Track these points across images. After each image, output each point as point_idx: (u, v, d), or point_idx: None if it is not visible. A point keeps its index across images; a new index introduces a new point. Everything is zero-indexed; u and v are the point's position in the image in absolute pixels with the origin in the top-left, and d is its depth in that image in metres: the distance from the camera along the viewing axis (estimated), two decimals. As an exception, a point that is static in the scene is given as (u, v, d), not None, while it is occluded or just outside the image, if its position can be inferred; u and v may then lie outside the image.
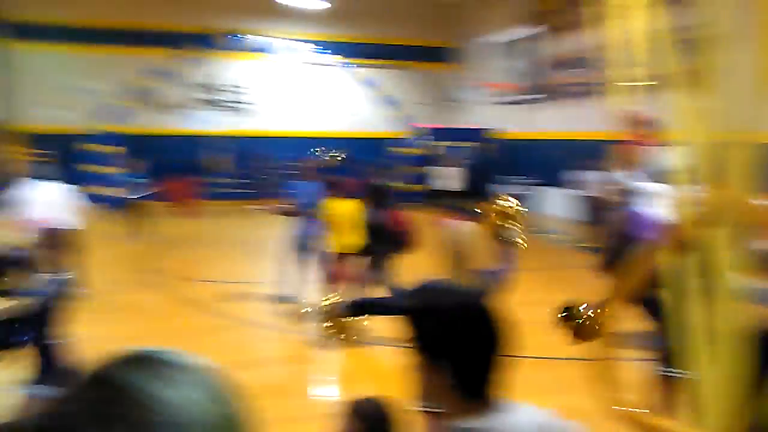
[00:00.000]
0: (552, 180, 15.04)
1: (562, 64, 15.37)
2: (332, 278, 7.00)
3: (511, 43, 13.60)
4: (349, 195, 7.55)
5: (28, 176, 7.47)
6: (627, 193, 7.27)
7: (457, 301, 1.50)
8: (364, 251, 6.57)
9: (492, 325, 1.45)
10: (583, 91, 14.89)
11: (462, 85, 20.47)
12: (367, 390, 2.50)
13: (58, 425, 0.56)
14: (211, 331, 6.82)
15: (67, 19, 17.19)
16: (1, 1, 16.87)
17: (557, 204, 14.86)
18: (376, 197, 6.85)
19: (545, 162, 15.84)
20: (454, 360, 1.43)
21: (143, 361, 0.61)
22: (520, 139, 17.45)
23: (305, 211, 7.45)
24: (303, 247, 7.51)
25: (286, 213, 7.66)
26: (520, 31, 13.39)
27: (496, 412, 1.45)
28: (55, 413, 0.57)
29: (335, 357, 6.41)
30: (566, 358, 5.95)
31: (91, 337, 3.63)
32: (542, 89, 12.70)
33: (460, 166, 15.96)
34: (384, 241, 6.46)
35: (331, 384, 5.88)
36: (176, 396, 0.57)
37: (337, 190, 7.25)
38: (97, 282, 7.81)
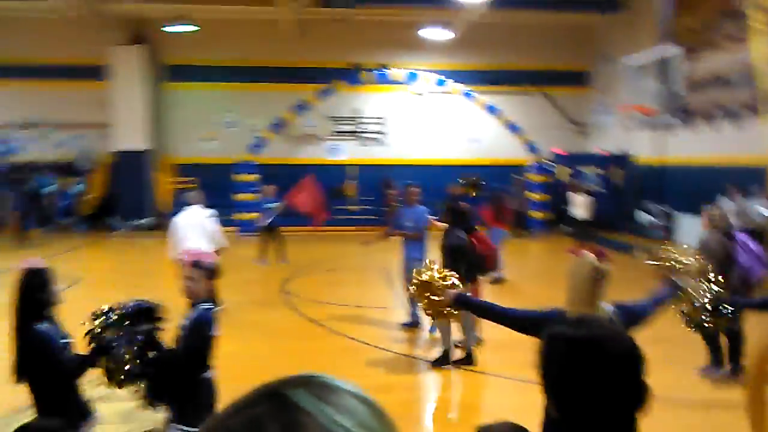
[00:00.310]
0: (689, 207, 14.10)
1: (700, 85, 14.48)
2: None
3: (646, 65, 12.97)
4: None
5: (179, 204, 8.21)
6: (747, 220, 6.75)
7: (584, 335, 1.41)
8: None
9: (615, 364, 1.33)
10: (724, 114, 13.91)
11: (594, 109, 19.82)
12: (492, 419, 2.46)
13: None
14: (335, 353, 7.04)
15: (216, 60, 18.72)
16: (159, 47, 18.73)
17: (695, 233, 13.87)
18: (457, 219, 6.81)
19: (683, 188, 14.89)
20: (567, 395, 1.35)
21: (312, 384, 0.64)
22: (657, 165, 16.55)
23: (410, 235, 7.63)
24: (409, 270, 7.62)
25: (386, 237, 7.97)
26: (656, 52, 12.74)
27: None
28: (228, 425, 0.61)
29: (458, 385, 6.39)
30: (697, 400, 5.54)
31: (224, 355, 3.87)
32: (679, 112, 11.97)
33: (589, 193, 15.38)
34: (466, 263, 6.34)
35: (453, 411, 5.87)
36: (346, 420, 0.61)
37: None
38: (230, 302, 8.37)
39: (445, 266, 6.58)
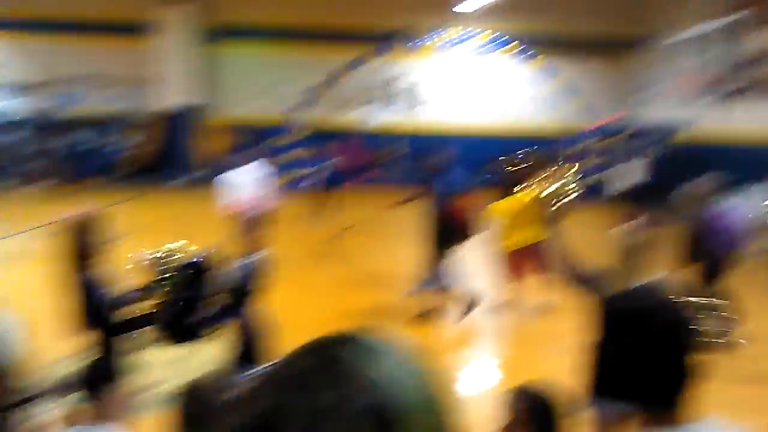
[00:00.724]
0: (746, 185, 13.69)
1: (763, 57, 13.86)
2: (514, 274, 7.01)
3: (706, 35, 12.44)
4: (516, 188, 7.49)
5: (230, 163, 8.44)
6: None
7: (633, 306, 1.44)
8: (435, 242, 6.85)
9: (669, 335, 1.36)
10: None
11: (649, 78, 19.19)
12: (528, 379, 2.52)
13: (278, 387, 0.63)
14: (379, 310, 7.17)
15: (269, 21, 18.76)
16: (210, 5, 18.84)
17: (751, 211, 13.46)
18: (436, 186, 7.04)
19: (739, 165, 14.41)
20: (630, 361, 1.37)
21: (359, 342, 0.67)
22: (710, 139, 16.01)
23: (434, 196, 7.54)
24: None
25: (414, 200, 8.00)
26: (716, 22, 12.21)
27: (679, 428, 1.35)
28: (273, 379, 0.64)
29: (487, 347, 6.46)
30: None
31: (269, 308, 3.98)
32: (739, 85, 11.49)
33: (640, 164, 15.05)
34: (445, 231, 6.74)
35: (487, 372, 5.96)
36: (392, 377, 0.63)
37: (509, 185, 7.23)
38: (277, 256, 8.53)
39: (429, 236, 6.97)
